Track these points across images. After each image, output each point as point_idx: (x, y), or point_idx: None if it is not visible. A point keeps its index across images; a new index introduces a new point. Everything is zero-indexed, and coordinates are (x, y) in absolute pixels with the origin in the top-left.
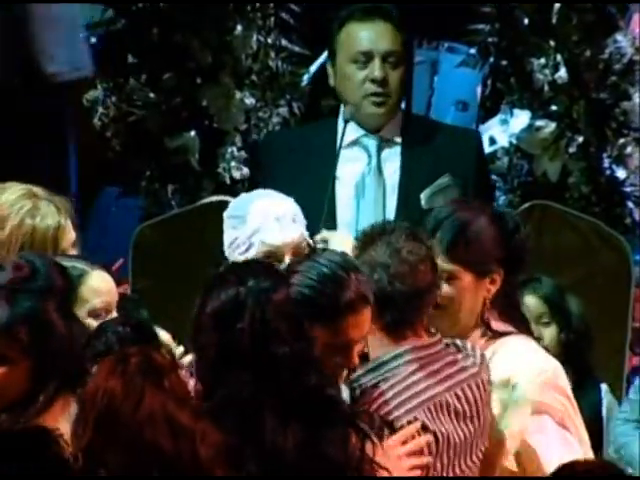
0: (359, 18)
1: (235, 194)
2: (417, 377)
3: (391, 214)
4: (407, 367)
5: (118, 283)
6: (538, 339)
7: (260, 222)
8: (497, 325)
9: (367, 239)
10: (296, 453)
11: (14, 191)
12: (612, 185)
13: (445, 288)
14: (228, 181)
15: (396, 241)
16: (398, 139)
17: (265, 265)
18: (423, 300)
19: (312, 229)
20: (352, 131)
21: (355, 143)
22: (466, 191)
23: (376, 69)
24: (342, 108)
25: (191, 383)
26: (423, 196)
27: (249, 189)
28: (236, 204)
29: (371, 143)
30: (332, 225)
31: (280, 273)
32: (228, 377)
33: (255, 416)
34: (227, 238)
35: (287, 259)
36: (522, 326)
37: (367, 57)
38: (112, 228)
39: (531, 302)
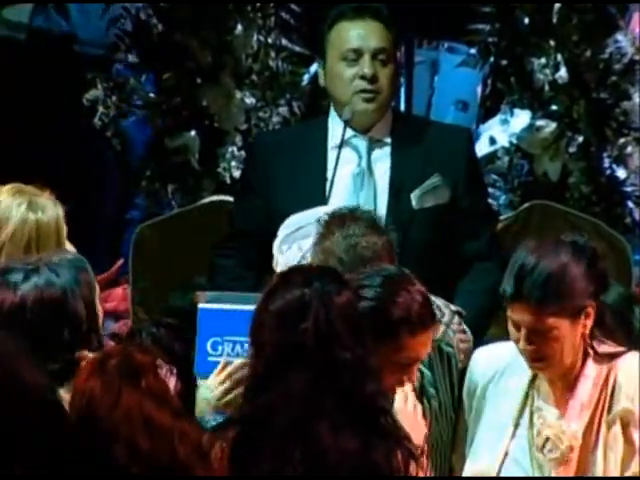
0: (349, 17)
1: (235, 194)
2: None
3: (382, 215)
4: None
5: (118, 283)
6: None
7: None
8: (603, 348)
9: (327, 227)
10: (344, 459)
11: (4, 190)
12: (612, 185)
13: (544, 343)
14: (228, 181)
15: (354, 233)
16: (388, 139)
17: (328, 269)
18: None
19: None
20: (341, 131)
21: (345, 144)
22: (456, 191)
23: (366, 66)
24: (332, 109)
25: (172, 382)
26: (413, 196)
27: (241, 187)
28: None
29: (361, 144)
30: None
31: (342, 278)
32: (285, 376)
33: (309, 417)
34: (292, 256)
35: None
36: (627, 341)
37: (357, 54)
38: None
39: None
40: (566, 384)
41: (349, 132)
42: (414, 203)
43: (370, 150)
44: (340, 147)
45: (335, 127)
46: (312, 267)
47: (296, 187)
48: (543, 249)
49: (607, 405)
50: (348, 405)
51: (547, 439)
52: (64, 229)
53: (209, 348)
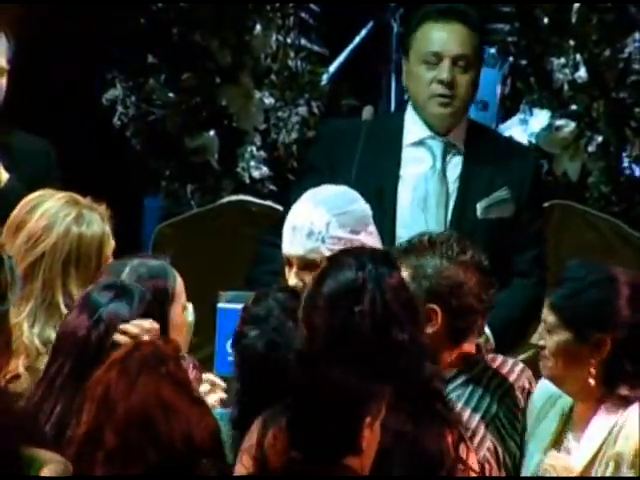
0: (434, 18)
1: (254, 194)
2: None
3: (448, 220)
4: None
5: None
6: None
7: (285, 226)
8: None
9: (418, 247)
10: (397, 441)
11: (56, 199)
12: (632, 184)
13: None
14: (247, 180)
15: (447, 251)
16: (461, 146)
17: (378, 251)
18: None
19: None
20: (418, 131)
21: (420, 144)
22: (519, 208)
23: (444, 71)
24: (409, 107)
25: (193, 374)
26: (479, 206)
27: (303, 171)
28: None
29: (437, 145)
30: (391, 225)
31: (392, 259)
32: (341, 358)
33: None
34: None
35: (293, 272)
36: None
37: (437, 58)
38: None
39: None
40: (583, 420)
41: (426, 132)
42: (479, 213)
43: (445, 153)
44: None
45: (411, 125)
46: (362, 249)
47: (366, 180)
48: (601, 278)
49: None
50: (404, 387)
51: (545, 468)
52: (109, 247)
53: (228, 348)
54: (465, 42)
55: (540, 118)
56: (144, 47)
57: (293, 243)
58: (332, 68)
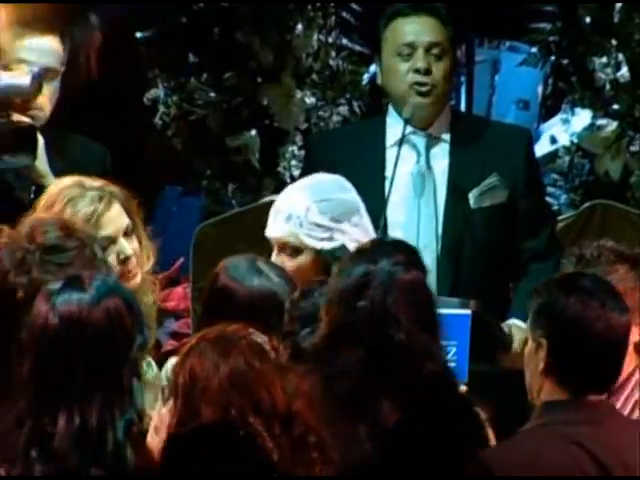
0: (404, 14)
1: None
2: None
3: (440, 214)
4: None
5: (179, 282)
6: None
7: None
8: None
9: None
10: (404, 437)
11: (64, 181)
12: None
13: None
14: (289, 180)
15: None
16: (447, 137)
17: (404, 245)
18: None
19: None
20: (400, 129)
21: (403, 142)
22: (514, 191)
23: (419, 60)
24: (390, 107)
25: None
26: (471, 196)
27: None
28: None
29: (419, 141)
30: (383, 228)
31: (417, 255)
32: (339, 352)
33: (370, 396)
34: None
35: (274, 254)
36: None
37: (411, 48)
38: (173, 227)
39: None
40: None
41: (407, 129)
42: (472, 202)
43: (429, 148)
44: (400, 144)
45: (393, 125)
46: (388, 242)
47: (355, 185)
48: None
49: None
50: (406, 386)
51: None
52: (106, 227)
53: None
54: (437, 31)
55: (582, 118)
56: (186, 46)
57: (273, 225)
58: (373, 67)
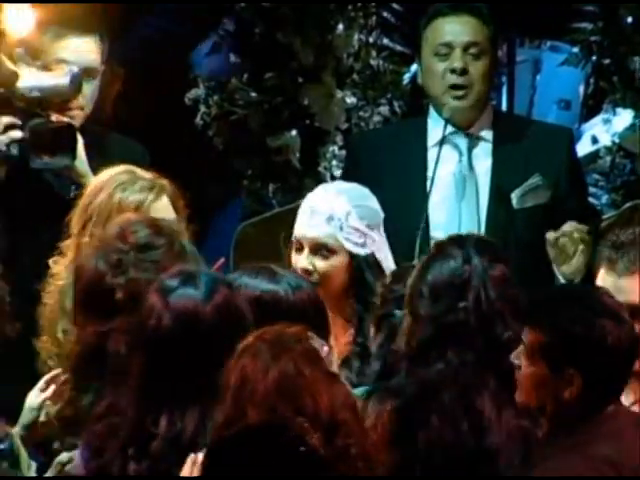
0: (444, 14)
1: None
2: None
3: (482, 214)
4: None
5: None
6: None
7: (301, 210)
8: None
9: None
10: (508, 435)
11: (116, 168)
12: None
13: None
14: (329, 180)
15: None
16: (489, 137)
17: (486, 241)
18: None
19: (407, 231)
20: (441, 129)
21: (445, 141)
22: (557, 191)
23: (456, 59)
24: (431, 107)
25: (324, 351)
26: (514, 196)
27: None
28: None
29: (461, 141)
30: (425, 229)
31: (498, 250)
32: (445, 352)
33: (472, 393)
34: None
35: (303, 255)
36: None
37: (448, 48)
38: (214, 227)
39: None
40: None
41: (449, 129)
42: (514, 203)
43: (471, 148)
44: (441, 144)
45: (435, 125)
46: (470, 238)
47: (396, 186)
48: None
49: None
50: (509, 383)
51: None
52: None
53: None
54: (476, 31)
55: (623, 117)
56: (227, 46)
57: (310, 225)
58: (414, 67)
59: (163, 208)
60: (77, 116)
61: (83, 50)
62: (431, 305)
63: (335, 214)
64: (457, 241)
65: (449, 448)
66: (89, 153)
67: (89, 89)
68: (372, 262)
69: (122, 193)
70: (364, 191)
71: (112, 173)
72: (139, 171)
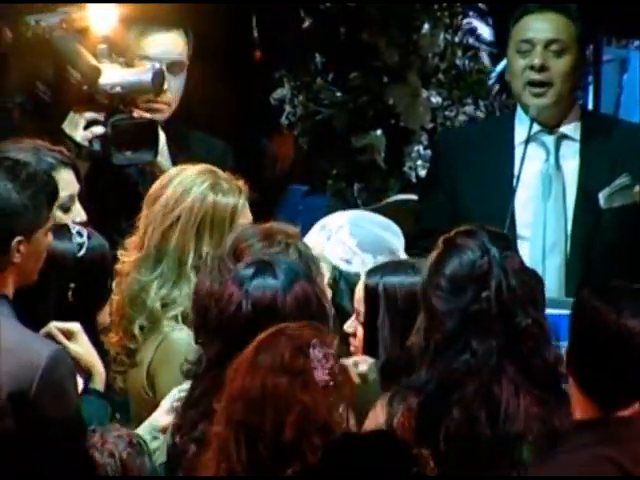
0: (530, 11)
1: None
2: None
3: (569, 213)
4: None
5: None
6: None
7: None
8: None
9: None
10: (527, 423)
11: (193, 169)
12: None
13: None
14: (414, 180)
15: None
16: (576, 136)
17: (497, 232)
18: None
19: None
20: (527, 128)
21: (532, 140)
22: None
23: (535, 56)
24: (518, 104)
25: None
26: (602, 196)
27: (426, 184)
28: None
29: (548, 140)
30: (512, 227)
31: (508, 240)
32: (468, 343)
33: (493, 382)
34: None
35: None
36: None
37: (529, 45)
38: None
39: None
40: None
41: (536, 128)
42: (602, 202)
43: (558, 147)
44: (526, 143)
45: (521, 123)
46: (482, 230)
47: (482, 184)
48: None
49: None
50: (529, 371)
51: None
52: (242, 218)
53: None
54: (559, 28)
55: None
56: (312, 46)
57: (310, 233)
58: (499, 67)
59: (247, 211)
60: (164, 111)
61: (168, 45)
62: (453, 298)
63: (328, 224)
64: (467, 234)
65: (470, 439)
66: (171, 150)
67: (175, 84)
68: (353, 282)
69: (215, 195)
70: (380, 222)
71: (194, 172)
72: (219, 171)
